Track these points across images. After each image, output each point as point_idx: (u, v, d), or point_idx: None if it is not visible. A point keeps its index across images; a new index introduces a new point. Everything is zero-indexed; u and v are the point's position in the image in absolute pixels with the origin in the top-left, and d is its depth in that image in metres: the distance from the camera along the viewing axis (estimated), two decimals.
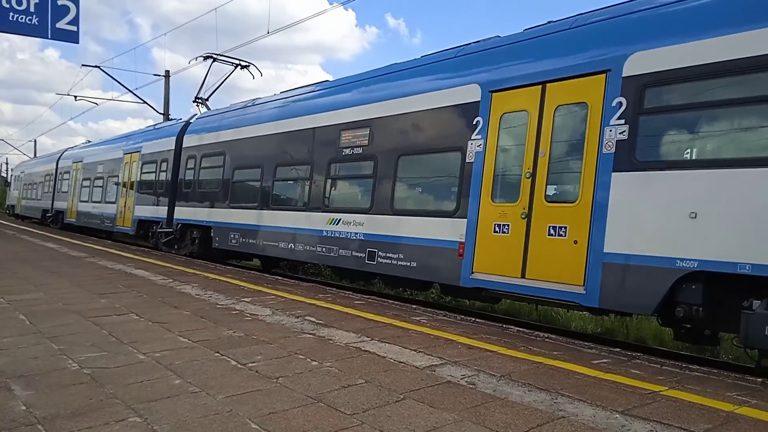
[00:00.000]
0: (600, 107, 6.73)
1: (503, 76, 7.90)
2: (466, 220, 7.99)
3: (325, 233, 10.47)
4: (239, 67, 18.04)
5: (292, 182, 12.04)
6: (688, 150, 6.26)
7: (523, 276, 7.16)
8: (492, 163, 7.84)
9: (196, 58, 18.49)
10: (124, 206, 18.93)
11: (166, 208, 16.10)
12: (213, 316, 6.67)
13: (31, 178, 34.17)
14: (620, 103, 6.60)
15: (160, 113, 26.26)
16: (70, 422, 3.52)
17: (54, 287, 8.60)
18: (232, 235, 13.17)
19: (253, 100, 14.23)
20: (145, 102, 26.90)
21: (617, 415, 3.79)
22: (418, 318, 7.07)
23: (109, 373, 4.50)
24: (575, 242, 6.72)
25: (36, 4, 11.10)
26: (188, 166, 15.53)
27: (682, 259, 5.83)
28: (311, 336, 5.85)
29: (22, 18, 11.05)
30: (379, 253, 9.33)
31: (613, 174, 6.52)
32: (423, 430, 3.47)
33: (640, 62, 6.48)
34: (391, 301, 8.45)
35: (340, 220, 10.26)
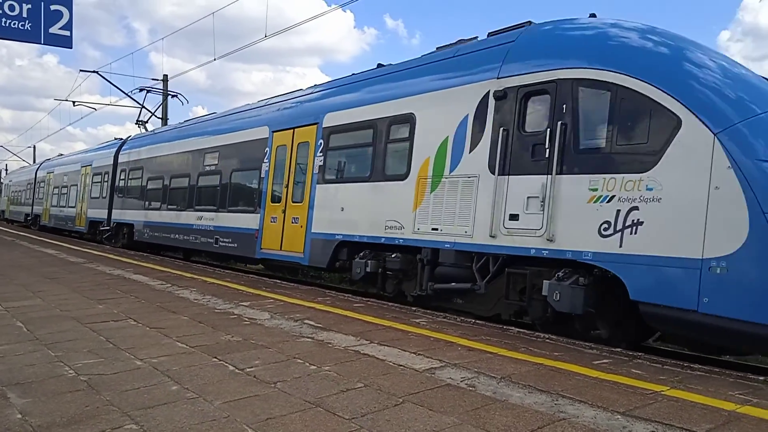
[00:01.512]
0: (313, 144, 10.98)
1: (278, 121, 12.30)
2: (259, 214, 12.22)
3: (194, 226, 14.72)
4: (170, 96, 24.64)
5: (179, 189, 16.08)
6: (341, 172, 10.50)
7: (281, 249, 11.38)
8: (271, 178, 12.11)
9: (132, 91, 24.36)
10: (81, 210, 23.51)
11: (106, 210, 20.54)
12: (211, 321, 6.64)
13: (17, 186, 38.50)
14: (320, 143, 10.81)
15: (158, 117, 26.25)
16: (66, 430, 3.48)
17: (52, 293, 8.56)
18: (145, 231, 17.60)
19: (172, 125, 19.09)
20: (143, 106, 26.86)
21: (618, 416, 3.75)
22: (417, 320, 7.03)
23: (105, 379, 4.46)
24: (302, 227, 10.89)
25: (29, 9, 11.04)
26: (120, 177, 20.04)
27: (337, 234, 10.02)
28: (310, 340, 5.81)
29: (14, 24, 11.00)
30: (220, 239, 13.58)
31: (317, 186, 10.70)
32: None
33: (329, 119, 10.72)
34: (390, 304, 8.41)
35: (202, 216, 14.52)
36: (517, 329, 6.75)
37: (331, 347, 5.52)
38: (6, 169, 63.14)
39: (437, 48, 9.75)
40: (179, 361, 4.97)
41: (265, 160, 12.28)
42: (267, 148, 12.27)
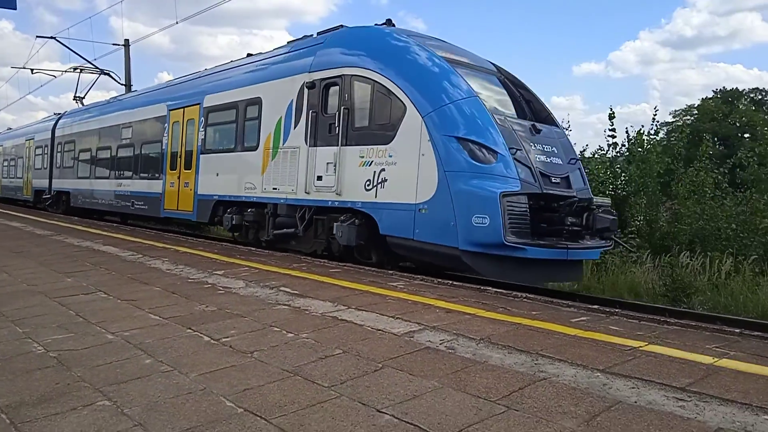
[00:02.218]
0: (197, 121, 13.26)
1: (173, 101, 14.63)
2: (162, 180, 14.58)
3: (116, 192, 17.13)
4: (102, 73, 25.90)
5: (104, 160, 18.29)
6: (213, 143, 12.94)
7: (177, 209, 13.75)
8: (170, 149, 14.35)
9: (69, 69, 26.78)
10: (27, 180, 25.70)
11: (47, 180, 22.59)
12: (184, 291, 6.50)
13: None
14: (202, 120, 13.11)
15: (122, 84, 25.46)
16: (36, 409, 3.36)
17: (18, 268, 8.32)
18: (79, 197, 19.86)
19: (101, 101, 21.66)
20: (105, 72, 25.99)
21: (598, 374, 3.75)
22: (395, 283, 6.98)
23: (76, 355, 4.34)
24: (191, 190, 13.20)
25: None
26: (57, 150, 22.20)
27: (214, 195, 12.46)
28: (286, 307, 5.72)
29: None
30: (135, 202, 15.97)
31: (200, 155, 13.05)
32: (403, 399, 3.39)
33: (207, 100, 13.05)
34: (367, 268, 8.35)
35: (121, 183, 16.89)
36: (495, 289, 6.75)
37: (308, 314, 5.44)
38: None
39: (288, 42, 12.13)
40: (152, 334, 4.85)
41: (164, 134, 14.78)
42: (166, 124, 14.74)
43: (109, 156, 17.86)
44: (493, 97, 9.19)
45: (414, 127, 8.27)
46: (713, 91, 65.28)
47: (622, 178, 14.72)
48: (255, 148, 11.30)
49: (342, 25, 10.82)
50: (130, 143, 16.64)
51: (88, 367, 4.06)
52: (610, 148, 15.29)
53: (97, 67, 25.82)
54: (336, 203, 9.38)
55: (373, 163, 8.78)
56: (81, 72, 25.02)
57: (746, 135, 57.33)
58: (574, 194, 8.29)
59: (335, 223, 9.27)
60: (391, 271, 8.06)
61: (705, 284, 9.65)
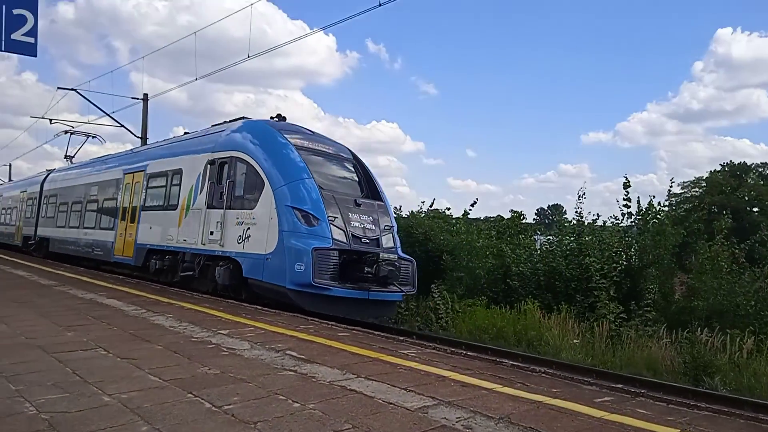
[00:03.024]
0: (141, 183, 16.07)
1: (125, 167, 17.79)
2: (114, 231, 17.29)
3: (81, 240, 19.94)
4: (90, 137, 28.45)
5: (76, 212, 21.09)
6: (150, 201, 15.77)
7: (123, 254, 16.37)
8: (122, 205, 17.12)
9: (56, 134, 29.95)
10: (18, 227, 28.59)
11: (34, 227, 25.47)
12: (187, 351, 6.24)
13: None
14: (145, 183, 15.95)
15: (138, 137, 25.77)
16: None
17: (18, 318, 8.09)
18: (56, 243, 22.45)
19: (81, 162, 25.09)
20: (122, 125, 26.43)
21: None
22: (406, 351, 6.69)
23: (69, 418, 4.07)
24: (132, 239, 15.71)
25: None
26: (43, 202, 25.09)
27: (146, 243, 14.97)
28: (293, 373, 5.45)
29: None
30: (95, 249, 18.72)
31: (141, 212, 15.69)
32: None
33: (149, 167, 15.95)
34: (377, 333, 8.08)
35: (86, 233, 19.69)
36: (511, 362, 6.45)
37: (316, 382, 5.17)
38: None
39: (212, 125, 14.82)
40: (151, 397, 4.58)
41: (119, 193, 17.66)
42: (120, 185, 17.63)
43: (79, 209, 20.79)
44: (332, 177, 12.25)
45: (268, 198, 11.27)
46: (720, 164, 65.72)
47: (635, 249, 14.46)
48: (175, 208, 14.14)
49: (244, 117, 14.16)
50: (95, 199, 19.58)
51: None
52: (624, 218, 15.09)
53: (116, 120, 26.36)
54: (219, 252, 12.17)
55: (243, 223, 11.69)
56: (72, 134, 28.04)
57: (755, 209, 57.22)
58: (379, 252, 10.98)
59: (217, 268, 12.04)
60: (401, 338, 7.79)
61: (726, 363, 9.26)
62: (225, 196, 12.19)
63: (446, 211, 19.55)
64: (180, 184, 14.11)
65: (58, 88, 26.64)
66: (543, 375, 5.83)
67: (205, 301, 10.80)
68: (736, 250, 13.17)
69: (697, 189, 59.94)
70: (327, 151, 12.72)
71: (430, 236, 16.57)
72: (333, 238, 10.63)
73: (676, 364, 9.66)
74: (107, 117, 25.79)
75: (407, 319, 13.83)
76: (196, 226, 12.97)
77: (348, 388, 4.98)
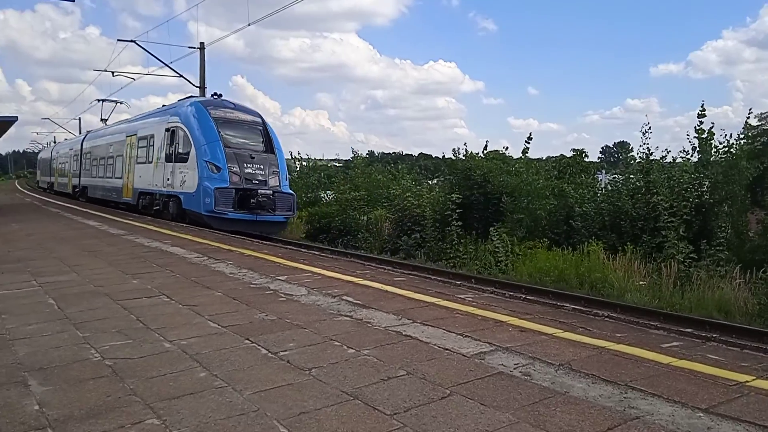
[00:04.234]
0: (135, 144, 21.90)
1: (127, 132, 23.36)
2: (122, 179, 23.09)
3: (107, 186, 25.48)
4: (119, 103, 37.74)
5: (102, 166, 26.97)
6: (139, 157, 21.40)
7: (126, 196, 22.33)
8: (125, 160, 23.00)
9: (91, 103, 40.79)
10: (69, 179, 35.94)
11: (78, 178, 32.23)
12: (245, 297, 6.33)
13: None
14: (136, 144, 22.01)
15: (197, 86, 26.03)
16: (83, 425, 3.20)
17: (88, 267, 8.42)
18: (92, 190, 28.23)
19: (107, 125, 32.60)
20: (180, 75, 26.79)
21: (701, 414, 3.25)
22: (463, 296, 6.58)
23: (131, 364, 4.18)
24: (132, 185, 21.56)
25: None
26: (84, 158, 31.19)
27: (138, 188, 20.96)
28: (348, 319, 5.43)
29: None
30: (113, 193, 24.64)
31: (135, 164, 21.55)
32: None
33: (138, 132, 22.10)
34: (434, 277, 7.99)
35: (108, 181, 25.41)
36: (573, 306, 6.25)
37: (371, 327, 5.13)
38: (54, 141, 64.89)
39: (179, 99, 21.01)
40: (210, 343, 4.66)
41: (123, 151, 23.17)
42: (124, 145, 23.10)
43: (104, 163, 26.60)
44: (239, 138, 17.36)
45: (193, 155, 16.78)
46: None
47: (707, 185, 13.69)
48: (151, 161, 19.80)
49: (191, 95, 21.39)
50: (112, 155, 25.16)
51: (142, 379, 3.89)
52: (695, 152, 14.24)
53: (174, 70, 26.83)
54: (172, 192, 17.90)
55: (182, 172, 17.30)
56: (104, 102, 37.15)
57: None
58: (268, 191, 16.48)
59: (170, 203, 18.00)
60: (458, 282, 7.67)
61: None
62: (173, 154, 17.99)
63: (505, 151, 19.01)
64: (153, 145, 19.76)
65: (118, 40, 27.09)
66: (606, 319, 5.61)
67: (264, 247, 10.96)
68: None
69: None
70: (241, 119, 18.13)
71: (488, 178, 16.20)
72: (231, 181, 16.10)
73: (750, 305, 9.20)
74: (167, 68, 26.16)
75: (466, 263, 13.70)
76: (160, 175, 18.73)
77: (403, 333, 4.92)
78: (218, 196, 15.65)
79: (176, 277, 7.67)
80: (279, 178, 17.00)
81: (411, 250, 15.62)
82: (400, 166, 27.36)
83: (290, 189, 17.84)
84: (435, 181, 22.89)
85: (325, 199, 24.12)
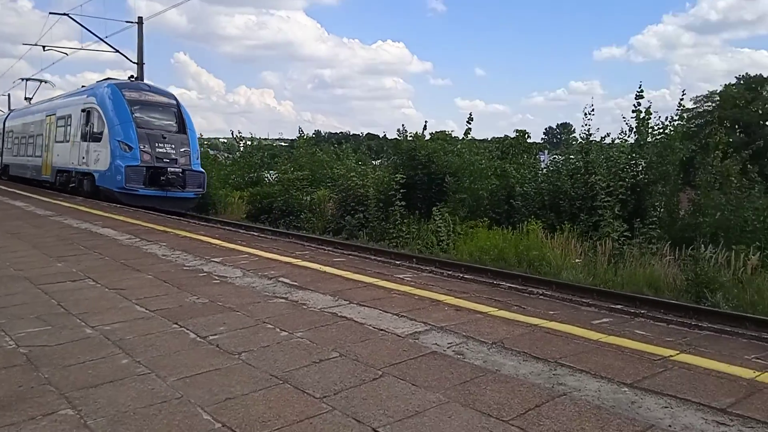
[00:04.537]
0: (54, 124, 22.30)
1: (47, 112, 23.60)
2: (41, 157, 23.26)
3: (27, 164, 25.38)
4: (43, 82, 36.70)
5: (23, 145, 26.91)
6: (57, 137, 21.78)
7: (44, 174, 22.67)
8: (44, 139, 23.06)
9: (18, 80, 35.64)
10: None
11: (0, 157, 31.19)
12: (177, 280, 6.11)
13: None
14: (55, 123, 22.18)
15: (135, 62, 25.03)
16: None
17: (9, 250, 7.98)
18: (14, 168, 28.01)
19: (28, 105, 32.70)
20: (117, 51, 25.69)
21: (626, 389, 3.30)
22: (402, 276, 6.54)
23: (48, 352, 3.96)
24: (50, 163, 21.86)
25: None
26: (5, 137, 30.80)
27: (56, 166, 21.35)
28: (283, 301, 5.31)
29: None
30: (33, 171, 24.36)
31: (54, 144, 21.87)
32: (403, 415, 2.97)
33: (57, 112, 22.30)
34: (374, 257, 7.94)
35: (29, 159, 25.33)
36: (509, 284, 6.31)
37: (306, 309, 5.03)
38: None
39: (97, 81, 21.59)
40: (135, 329, 4.46)
41: (43, 130, 23.32)
42: (44, 124, 23.22)
43: (25, 142, 26.63)
44: (152, 119, 18.21)
45: (106, 135, 17.62)
46: (736, 77, 63.72)
47: (642, 165, 14.09)
48: (68, 141, 20.24)
49: (109, 78, 21.02)
50: (32, 134, 25.28)
51: (59, 367, 3.68)
52: (632, 133, 14.60)
53: (110, 45, 25.65)
54: (86, 170, 18.63)
55: (96, 151, 18.05)
56: (28, 81, 35.52)
57: None
58: (177, 169, 17.47)
59: (85, 180, 18.71)
60: (398, 262, 7.64)
61: (729, 280, 9.12)
62: (88, 133, 18.61)
63: (451, 132, 19.09)
64: (71, 125, 20.19)
65: (50, 13, 25.86)
66: (541, 297, 5.69)
67: (201, 228, 10.68)
68: (747, 164, 12.79)
69: (710, 103, 58.41)
70: (155, 100, 18.92)
71: (432, 158, 16.23)
72: (142, 160, 17.02)
73: (678, 281, 9.53)
74: (103, 44, 25.02)
75: (408, 243, 13.73)
76: (76, 153, 19.43)
77: (339, 314, 4.84)
78: (129, 173, 16.66)
79: (105, 259, 7.35)
80: (190, 157, 18.04)
81: (354, 230, 15.54)
82: (344, 146, 27.12)
83: (201, 167, 18.87)
84: (379, 162, 22.80)
85: (269, 180, 23.68)
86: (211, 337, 4.25)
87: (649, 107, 14.26)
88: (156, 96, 19.14)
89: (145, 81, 22.55)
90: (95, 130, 18.24)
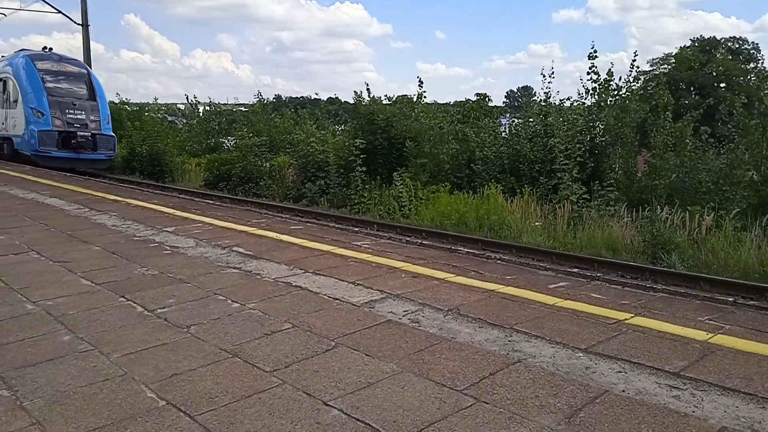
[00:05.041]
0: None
1: None
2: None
3: None
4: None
5: None
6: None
7: None
8: None
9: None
10: None
11: None
12: (126, 252, 5.89)
13: None
14: None
15: (79, 24, 23.96)
16: None
17: None
18: None
19: None
20: (59, 11, 24.54)
21: (580, 354, 3.29)
22: (359, 243, 6.44)
23: None
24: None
25: None
26: None
27: None
28: (236, 271, 5.16)
29: None
30: None
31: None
32: (355, 387, 2.90)
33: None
34: (332, 224, 7.81)
35: None
36: (467, 250, 6.27)
37: (260, 279, 4.90)
38: None
39: (16, 51, 21.84)
40: (79, 303, 4.27)
41: None
42: None
43: None
44: (63, 88, 19.43)
45: (20, 103, 18.83)
46: (691, 39, 64.60)
47: (599, 127, 14.17)
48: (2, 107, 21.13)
49: (24, 49, 21.57)
50: None
51: None
52: (589, 95, 14.63)
53: (52, 6, 24.55)
54: (6, 135, 19.89)
55: (13, 117, 19.34)
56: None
57: (722, 84, 57.18)
58: (87, 133, 18.81)
59: (5, 144, 19.90)
60: (356, 229, 7.53)
61: (685, 240, 9.29)
62: (6, 101, 20.02)
63: (412, 97, 18.82)
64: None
65: None
66: (498, 262, 5.66)
67: (155, 197, 10.36)
68: (700, 125, 12.98)
69: (665, 66, 59.21)
70: (66, 70, 20.14)
71: (392, 123, 16.02)
72: (54, 125, 18.45)
73: (636, 243, 9.66)
74: (47, 5, 23.87)
75: (370, 209, 13.62)
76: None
77: (293, 284, 4.73)
78: (43, 137, 18.19)
79: (50, 230, 7.05)
80: (100, 122, 19.57)
81: (315, 197, 15.32)
82: (299, 111, 26.66)
83: (112, 131, 20.40)
84: (342, 127, 22.43)
85: (227, 146, 23.15)
86: (159, 311, 4.10)
87: (611, 69, 14.28)
88: (68, 66, 20.54)
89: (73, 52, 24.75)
90: (11, 98, 19.72)
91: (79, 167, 18.49)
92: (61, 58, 20.86)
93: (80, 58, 24.30)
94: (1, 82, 20.46)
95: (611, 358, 3.22)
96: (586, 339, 3.50)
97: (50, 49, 21.22)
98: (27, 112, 18.70)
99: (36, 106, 18.62)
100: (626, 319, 3.84)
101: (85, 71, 20.78)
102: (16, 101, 19.39)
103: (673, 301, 4.36)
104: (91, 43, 24.62)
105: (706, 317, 3.91)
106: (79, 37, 23.68)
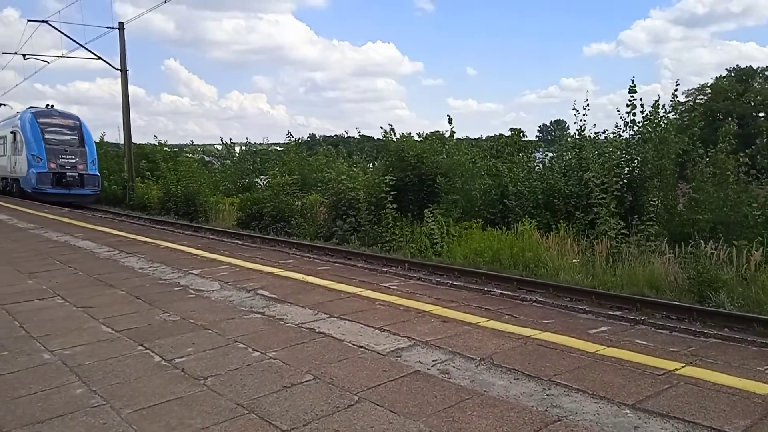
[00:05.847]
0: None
1: None
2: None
3: None
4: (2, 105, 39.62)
5: None
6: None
7: None
8: None
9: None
10: None
11: None
12: (150, 295, 5.77)
13: None
14: None
15: (118, 69, 24.67)
16: None
17: None
18: None
19: None
20: (99, 57, 25.32)
21: (627, 411, 2.98)
22: (388, 284, 6.21)
23: None
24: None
25: None
26: None
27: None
28: (259, 316, 4.98)
29: None
30: None
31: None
32: None
33: None
34: (360, 264, 7.61)
35: None
36: (500, 291, 5.98)
37: (283, 325, 4.70)
38: None
39: (27, 107, 26.51)
40: (97, 352, 4.13)
41: None
42: None
43: None
44: (58, 137, 23.95)
45: (24, 151, 23.65)
46: (726, 69, 63.60)
47: (637, 160, 13.76)
48: (5, 154, 25.72)
49: (31, 107, 25.88)
50: None
51: (7, 400, 3.36)
52: (627, 128, 14.26)
53: (91, 51, 25.50)
54: (15, 176, 24.39)
55: (20, 162, 23.89)
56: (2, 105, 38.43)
57: (761, 114, 55.88)
58: (75, 173, 23.50)
59: (14, 183, 24.47)
60: (385, 269, 7.32)
61: (733, 277, 8.78)
62: (15, 149, 24.45)
63: (444, 133, 18.69)
64: (6, 143, 25.74)
65: (29, 20, 25.43)
66: (534, 304, 5.36)
67: (185, 238, 10.34)
68: (745, 158, 12.46)
69: (702, 96, 58.24)
70: (62, 123, 24.59)
71: (422, 159, 15.87)
72: (49, 167, 22.85)
73: (680, 280, 9.17)
74: (82, 49, 24.74)
75: (401, 247, 13.39)
76: (9, 164, 25.19)
77: (317, 330, 4.51)
78: (40, 177, 22.93)
79: (78, 274, 7.01)
80: (86, 165, 24.25)
81: (346, 234, 15.17)
82: (333, 150, 26.82)
83: (98, 172, 25.07)
84: (371, 165, 22.40)
85: (260, 185, 23.30)
86: (176, 360, 3.92)
87: (656, 102, 13.93)
88: (63, 120, 25.33)
89: (69, 110, 29.63)
90: (18, 147, 24.58)
91: (71, 201, 22.90)
92: (60, 114, 25.82)
93: (119, 101, 26.54)
94: (12, 134, 25.23)
95: (663, 416, 2.90)
96: (633, 393, 3.19)
97: (52, 106, 26.30)
98: (29, 158, 23.52)
99: (36, 153, 23.48)
100: (677, 369, 3.51)
101: (78, 123, 25.45)
102: (22, 149, 24.28)
103: (727, 348, 4.01)
104: (134, 87, 26.23)
105: (765, 366, 3.55)
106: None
